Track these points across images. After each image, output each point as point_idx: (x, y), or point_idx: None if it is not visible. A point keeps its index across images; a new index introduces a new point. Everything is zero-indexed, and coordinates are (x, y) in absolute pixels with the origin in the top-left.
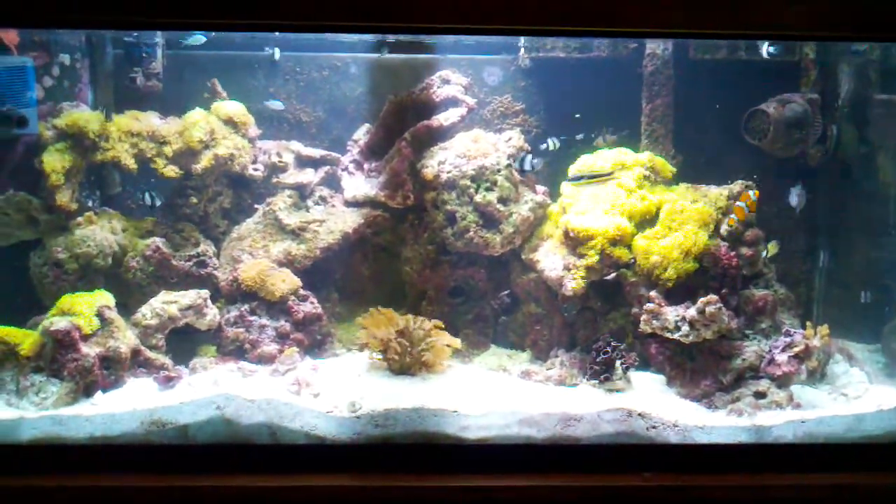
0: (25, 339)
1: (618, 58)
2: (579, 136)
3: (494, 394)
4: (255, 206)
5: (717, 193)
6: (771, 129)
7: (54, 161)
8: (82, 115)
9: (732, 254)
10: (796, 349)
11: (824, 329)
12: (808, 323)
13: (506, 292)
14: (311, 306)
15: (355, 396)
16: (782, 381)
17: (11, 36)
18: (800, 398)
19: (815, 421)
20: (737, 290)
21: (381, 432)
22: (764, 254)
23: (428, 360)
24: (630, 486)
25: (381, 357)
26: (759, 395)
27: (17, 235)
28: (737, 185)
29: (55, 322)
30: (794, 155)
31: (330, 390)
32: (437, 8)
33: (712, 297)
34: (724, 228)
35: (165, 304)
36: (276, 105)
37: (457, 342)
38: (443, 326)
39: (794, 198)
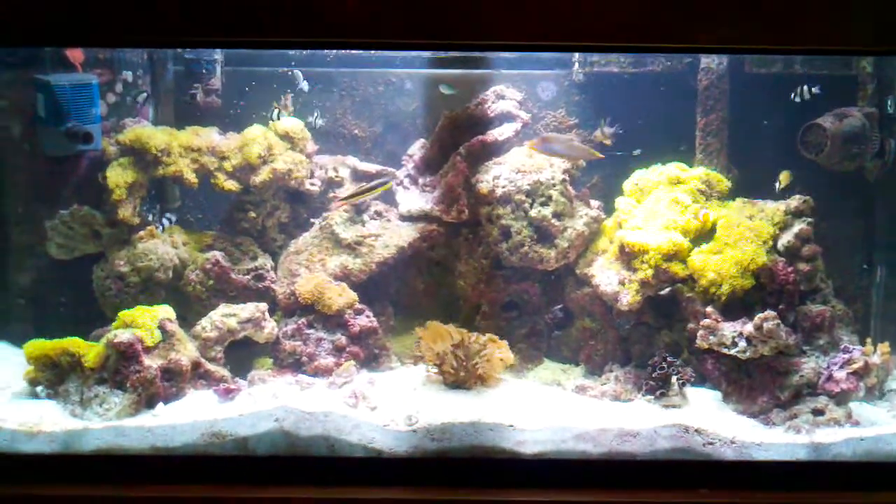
0: (89, 351)
1: (672, 72)
2: (637, 152)
3: (549, 408)
4: (312, 220)
5: (773, 208)
6: (828, 144)
7: (118, 176)
8: (145, 131)
9: (790, 269)
10: (855, 366)
11: (884, 346)
12: (867, 339)
13: (559, 307)
14: (366, 320)
15: (412, 410)
16: (840, 398)
17: (77, 54)
18: (858, 415)
19: (874, 438)
20: (794, 306)
21: (437, 446)
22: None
23: (483, 373)
24: (687, 502)
25: (436, 371)
26: (817, 412)
27: (81, 249)
28: (794, 201)
29: (118, 334)
30: (852, 169)
31: (386, 403)
32: (499, 25)
33: (770, 312)
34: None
35: (225, 317)
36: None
37: (510, 356)
38: (496, 339)
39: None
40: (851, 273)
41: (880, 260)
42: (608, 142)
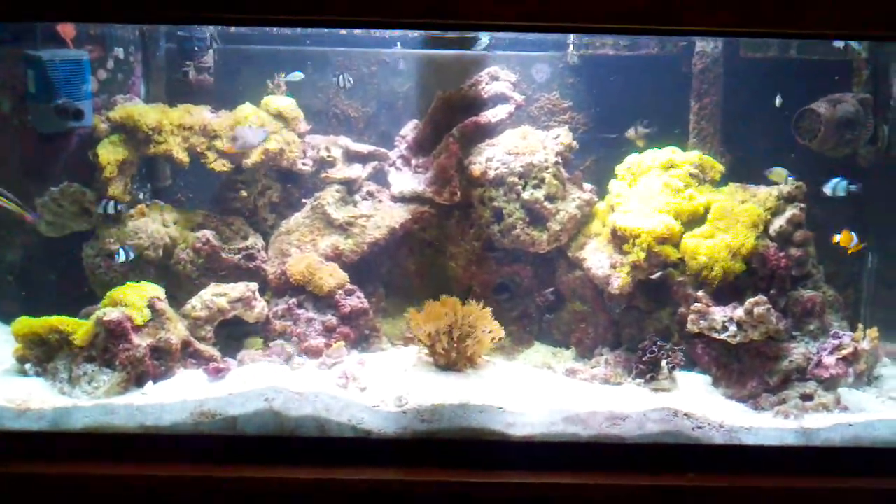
0: (78, 329)
1: (667, 55)
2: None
3: (539, 391)
4: (304, 200)
5: (766, 193)
6: (822, 129)
7: (108, 153)
8: (136, 109)
9: (781, 254)
10: (844, 352)
11: (873, 332)
12: (857, 325)
13: (551, 290)
14: (357, 301)
15: (402, 391)
16: (830, 384)
17: (68, 30)
18: (847, 401)
19: (862, 424)
20: (785, 291)
21: (427, 427)
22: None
23: (474, 354)
24: (675, 485)
25: (427, 352)
26: (806, 397)
27: (71, 226)
28: (786, 186)
29: (108, 313)
30: (845, 155)
31: (376, 384)
32: (494, 5)
33: (760, 297)
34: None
35: (215, 296)
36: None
37: (500, 331)
38: (489, 314)
39: None
40: (843, 259)
41: (872, 246)
42: (641, 142)
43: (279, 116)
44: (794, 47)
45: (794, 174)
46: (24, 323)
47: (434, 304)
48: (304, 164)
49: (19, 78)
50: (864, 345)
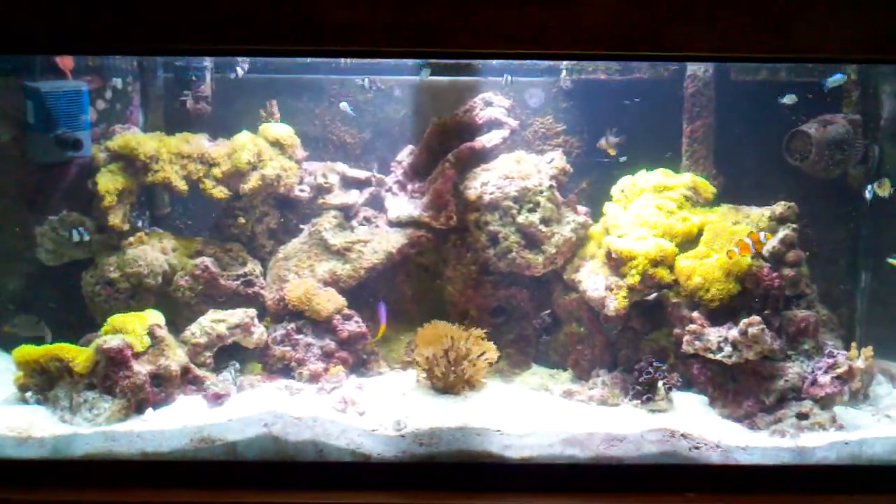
0: (79, 357)
1: (659, 79)
2: (623, 159)
3: (537, 413)
4: (301, 226)
5: (758, 214)
6: (812, 151)
7: (107, 182)
8: (134, 138)
9: (775, 275)
10: (839, 370)
11: (868, 350)
12: (851, 344)
13: (547, 312)
14: (355, 325)
15: (400, 415)
16: (825, 403)
17: (67, 61)
18: (843, 419)
19: (858, 442)
20: (779, 311)
21: (425, 451)
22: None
23: (471, 377)
24: None
25: (425, 376)
26: (802, 416)
27: (70, 255)
28: (778, 207)
29: (108, 340)
30: (836, 176)
31: (375, 409)
32: (482, 33)
33: (755, 317)
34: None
35: (214, 322)
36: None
37: (493, 351)
38: (483, 337)
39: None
40: (836, 278)
41: (864, 265)
42: (612, 151)
43: (276, 144)
44: (783, 70)
45: (786, 196)
46: (25, 351)
47: (429, 327)
48: (301, 190)
49: (19, 109)
50: (859, 363)
